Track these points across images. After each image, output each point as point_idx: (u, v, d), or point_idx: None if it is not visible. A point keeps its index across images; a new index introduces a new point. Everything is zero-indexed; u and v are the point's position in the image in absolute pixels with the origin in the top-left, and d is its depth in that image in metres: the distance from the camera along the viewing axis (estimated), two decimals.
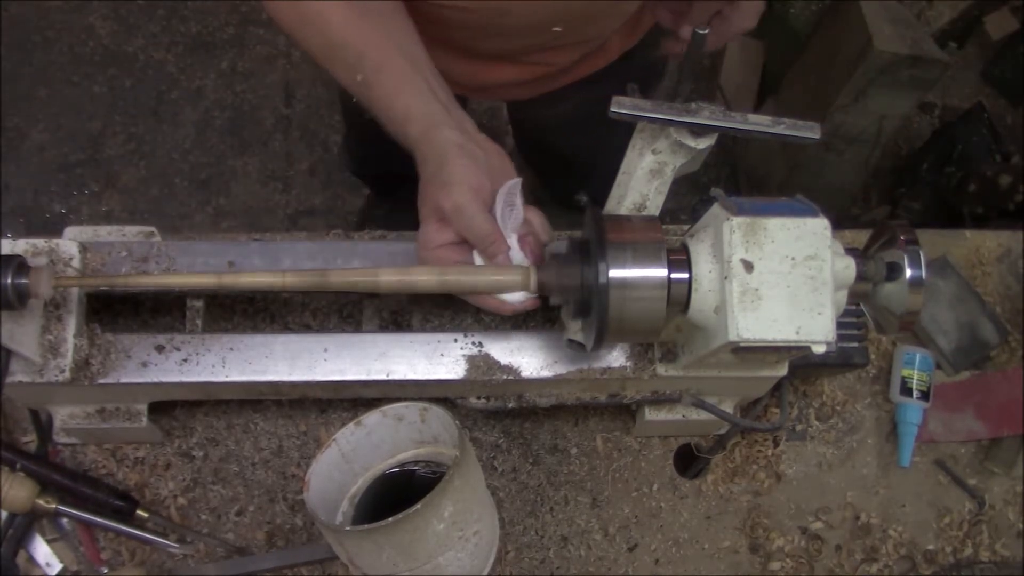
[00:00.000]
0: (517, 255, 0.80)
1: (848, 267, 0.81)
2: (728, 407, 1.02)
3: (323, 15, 0.81)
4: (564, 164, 1.71)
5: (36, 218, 2.26)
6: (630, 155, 0.90)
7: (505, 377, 0.94)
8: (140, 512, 1.03)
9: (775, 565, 1.10)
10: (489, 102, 2.13)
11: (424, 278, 0.81)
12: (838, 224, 0.82)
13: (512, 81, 1.16)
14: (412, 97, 0.79)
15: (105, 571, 1.04)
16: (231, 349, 0.93)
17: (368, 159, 1.90)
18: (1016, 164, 2.07)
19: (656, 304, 0.79)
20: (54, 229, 0.98)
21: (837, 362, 1.06)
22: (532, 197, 2.45)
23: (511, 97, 1.25)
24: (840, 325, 0.83)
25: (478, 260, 0.81)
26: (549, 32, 1.01)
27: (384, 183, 2.07)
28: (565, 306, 0.87)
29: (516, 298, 0.81)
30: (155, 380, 0.92)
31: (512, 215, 0.79)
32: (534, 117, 1.48)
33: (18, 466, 1.00)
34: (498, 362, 0.94)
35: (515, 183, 0.78)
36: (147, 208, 2.29)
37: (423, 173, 0.79)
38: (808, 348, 0.78)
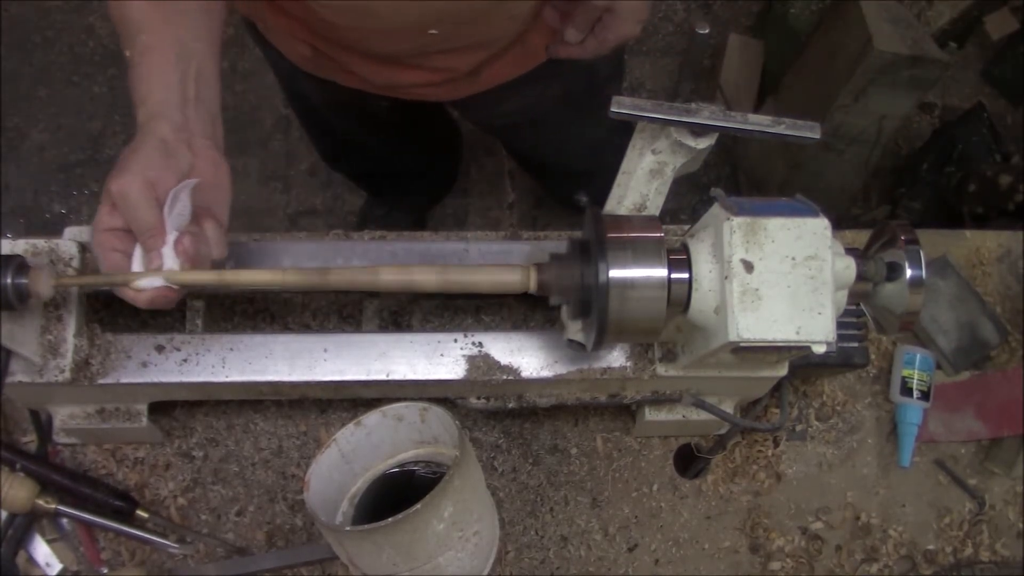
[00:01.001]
0: (169, 254, 0.76)
1: (848, 267, 0.81)
2: (728, 407, 1.02)
3: None
4: (540, 165, 1.71)
5: (36, 218, 2.26)
6: (630, 155, 0.90)
7: (505, 377, 0.94)
8: (140, 512, 1.03)
9: (775, 565, 1.10)
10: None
11: (424, 277, 0.81)
12: (838, 224, 0.82)
13: (421, 83, 1.16)
14: (157, 86, 0.78)
15: (105, 571, 1.04)
16: (231, 349, 0.93)
17: (329, 155, 1.90)
18: (1016, 164, 2.07)
19: (656, 304, 0.79)
20: (54, 229, 0.98)
21: (837, 362, 1.06)
22: (532, 197, 2.46)
23: (433, 98, 1.25)
24: (840, 325, 0.83)
25: (137, 252, 0.77)
26: (426, 35, 1.00)
27: (371, 181, 2.07)
28: (565, 306, 0.87)
29: (149, 283, 0.76)
30: (155, 380, 0.92)
31: (174, 214, 0.76)
32: (480, 118, 1.48)
33: (18, 466, 1.00)
34: (498, 362, 0.94)
35: (186, 184, 0.76)
36: None
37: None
38: (808, 348, 0.78)
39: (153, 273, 0.77)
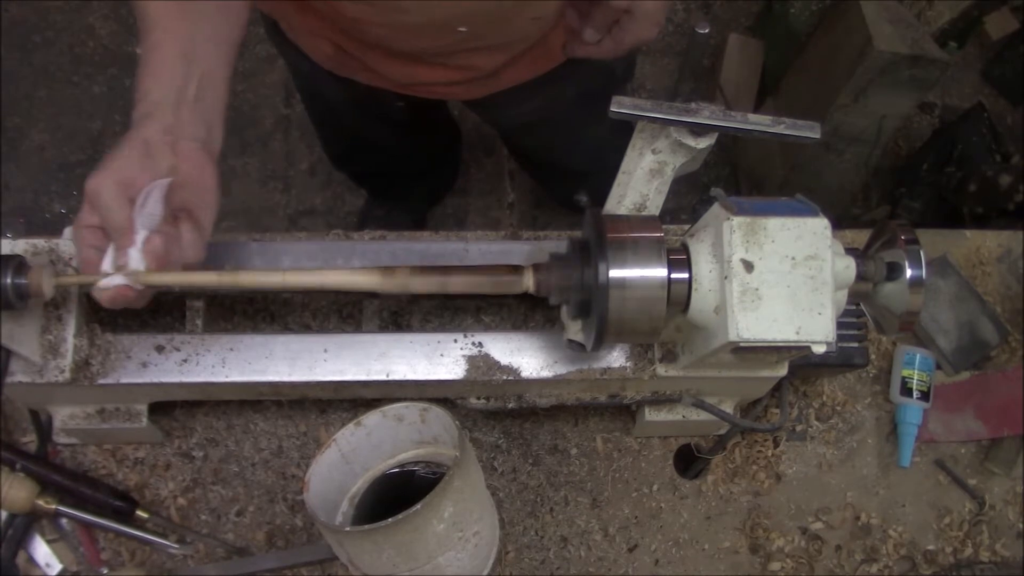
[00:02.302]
0: (135, 254, 0.76)
1: (848, 267, 0.81)
2: (728, 407, 1.02)
3: None
4: (547, 165, 1.71)
5: (36, 218, 2.26)
6: (630, 155, 0.90)
7: (505, 377, 0.94)
8: (140, 512, 1.03)
9: (775, 565, 1.10)
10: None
11: (422, 278, 0.81)
12: (838, 224, 0.82)
13: (443, 81, 1.17)
14: (156, 85, 0.79)
15: (105, 571, 1.04)
16: (231, 349, 0.93)
17: (339, 156, 1.91)
18: (1016, 164, 2.07)
19: (656, 304, 0.79)
20: (54, 229, 0.98)
21: (837, 362, 1.06)
22: (532, 197, 2.46)
23: (454, 96, 1.27)
24: (840, 325, 0.83)
25: (110, 250, 0.77)
26: (455, 32, 1.01)
27: (375, 181, 2.07)
28: (565, 306, 0.87)
29: (111, 282, 0.77)
30: (155, 380, 0.92)
31: (144, 213, 0.76)
32: (495, 118, 1.48)
33: (18, 466, 1.00)
34: (498, 362, 0.94)
35: (158, 184, 0.76)
36: None
37: None
38: (808, 348, 0.78)
39: (161, 274, 0.77)
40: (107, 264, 0.77)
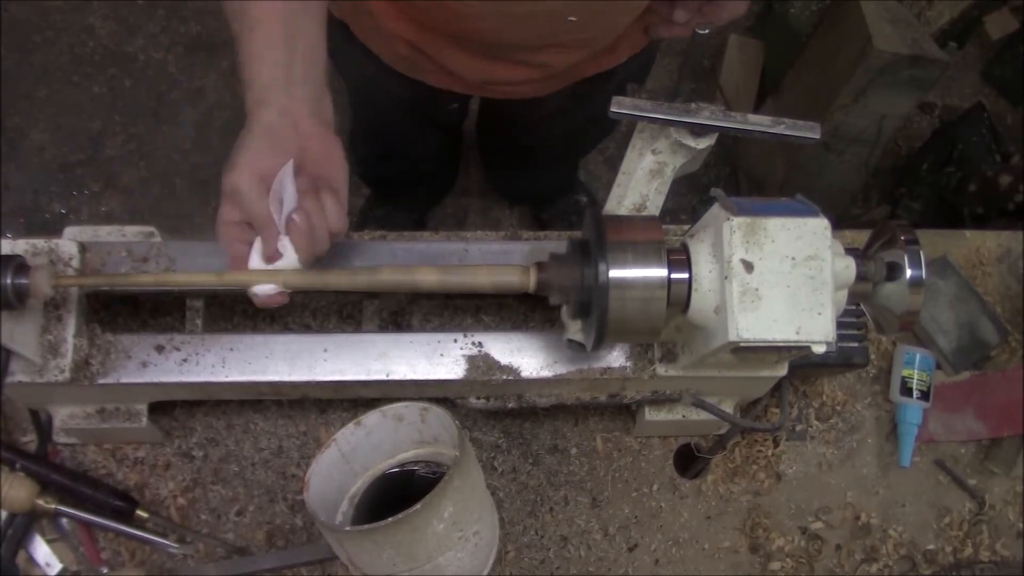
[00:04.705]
0: (286, 242, 0.78)
1: (848, 267, 0.81)
2: (728, 407, 1.02)
3: None
4: (526, 159, 1.71)
5: (36, 218, 2.26)
6: (630, 155, 0.90)
7: (505, 377, 0.94)
8: (140, 512, 1.03)
9: (775, 565, 1.10)
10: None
11: (424, 277, 0.81)
12: (838, 224, 0.82)
13: (520, 80, 1.17)
14: (264, 65, 0.78)
15: (105, 571, 1.04)
16: (231, 349, 0.93)
17: (371, 160, 1.92)
18: (1016, 164, 2.07)
19: (656, 304, 0.79)
20: (54, 229, 0.98)
21: (837, 362, 1.06)
22: (479, 189, 2.45)
23: (520, 95, 1.26)
24: (840, 325, 0.83)
25: (257, 243, 0.79)
26: (564, 22, 1.01)
27: (383, 185, 2.08)
28: (565, 306, 0.87)
29: (264, 290, 0.79)
30: (155, 380, 0.92)
31: (285, 199, 0.77)
32: (524, 114, 1.48)
33: (18, 466, 1.00)
34: (498, 362, 0.94)
35: (284, 169, 0.76)
36: (147, 208, 2.29)
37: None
38: (808, 348, 0.78)
39: (161, 274, 0.77)
40: (255, 257, 0.79)
